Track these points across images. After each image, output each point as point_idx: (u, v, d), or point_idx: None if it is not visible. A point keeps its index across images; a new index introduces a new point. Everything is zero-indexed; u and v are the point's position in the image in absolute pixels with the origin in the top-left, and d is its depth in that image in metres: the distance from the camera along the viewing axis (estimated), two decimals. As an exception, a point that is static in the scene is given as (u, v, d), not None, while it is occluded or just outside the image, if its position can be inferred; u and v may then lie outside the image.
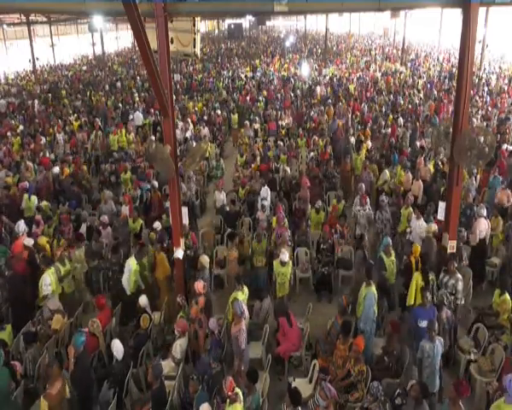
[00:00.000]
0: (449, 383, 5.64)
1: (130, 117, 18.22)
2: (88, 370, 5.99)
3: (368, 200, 9.79)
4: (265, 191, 10.46)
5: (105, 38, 29.97)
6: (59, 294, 7.75)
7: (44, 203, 10.61)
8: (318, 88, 22.39)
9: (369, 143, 13.74)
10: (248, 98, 21.36)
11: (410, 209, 9.26)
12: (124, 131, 15.69)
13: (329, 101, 18.65)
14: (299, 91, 22.75)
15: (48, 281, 7.41)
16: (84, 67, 36.39)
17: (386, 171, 11.47)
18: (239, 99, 20.75)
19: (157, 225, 9.04)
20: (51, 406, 5.21)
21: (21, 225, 9.03)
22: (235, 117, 18.02)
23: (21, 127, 16.80)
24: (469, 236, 8.46)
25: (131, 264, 7.72)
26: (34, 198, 10.77)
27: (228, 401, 5.08)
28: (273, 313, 7.38)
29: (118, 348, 6.05)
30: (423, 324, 6.16)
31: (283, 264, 7.61)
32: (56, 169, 12.21)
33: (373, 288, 6.70)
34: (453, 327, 6.75)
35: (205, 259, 7.92)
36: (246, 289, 7.22)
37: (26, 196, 10.74)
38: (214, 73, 29.38)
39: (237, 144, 15.84)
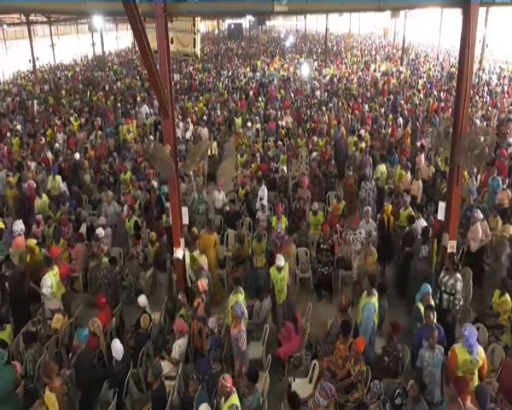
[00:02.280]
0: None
1: (141, 110, 18.47)
2: (90, 367, 6.00)
3: (370, 217, 8.98)
4: (262, 191, 10.39)
5: (105, 38, 29.92)
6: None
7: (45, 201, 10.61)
8: (318, 92, 22.32)
9: (363, 132, 13.83)
10: (251, 93, 21.42)
11: (410, 209, 9.26)
12: (135, 122, 15.87)
13: (330, 105, 18.56)
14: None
15: (49, 283, 7.38)
16: (78, 68, 36.19)
17: (380, 167, 11.37)
18: (236, 103, 20.66)
19: (99, 232, 8.87)
20: (58, 397, 5.21)
21: (18, 225, 8.98)
22: (238, 121, 17.91)
23: (19, 127, 16.76)
24: (470, 242, 8.37)
25: (187, 257, 7.95)
26: (59, 178, 11.44)
27: (223, 398, 5.07)
28: (281, 316, 7.33)
29: (117, 348, 6.04)
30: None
31: (280, 269, 7.37)
32: (77, 155, 12.69)
33: (374, 298, 6.44)
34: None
35: (203, 259, 7.92)
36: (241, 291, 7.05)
37: (50, 176, 11.55)
38: (214, 73, 29.37)
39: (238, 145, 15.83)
